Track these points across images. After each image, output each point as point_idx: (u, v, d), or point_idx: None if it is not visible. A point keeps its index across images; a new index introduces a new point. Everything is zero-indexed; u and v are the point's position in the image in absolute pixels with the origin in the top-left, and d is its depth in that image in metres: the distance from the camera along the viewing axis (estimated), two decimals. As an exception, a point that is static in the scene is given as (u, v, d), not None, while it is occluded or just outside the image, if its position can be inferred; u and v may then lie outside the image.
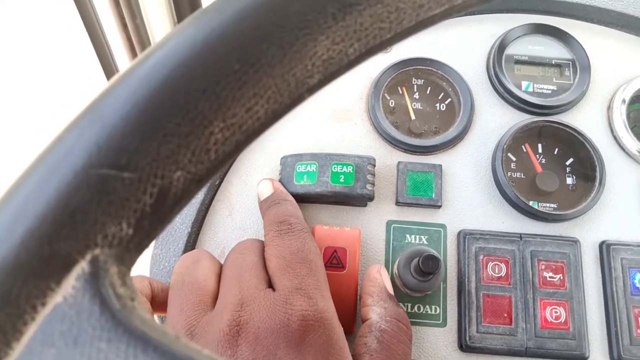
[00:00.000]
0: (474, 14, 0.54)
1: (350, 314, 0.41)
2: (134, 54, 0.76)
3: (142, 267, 0.43)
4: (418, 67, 0.51)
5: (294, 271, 0.35)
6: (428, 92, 0.51)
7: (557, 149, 0.48)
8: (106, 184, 0.15)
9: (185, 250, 0.45)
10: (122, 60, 0.86)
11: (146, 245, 0.16)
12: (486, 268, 0.43)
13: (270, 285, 0.35)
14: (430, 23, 0.19)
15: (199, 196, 0.46)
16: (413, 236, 0.45)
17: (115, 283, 0.15)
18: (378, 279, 0.40)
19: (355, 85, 0.51)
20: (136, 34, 0.72)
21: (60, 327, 0.14)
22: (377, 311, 0.38)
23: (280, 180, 0.45)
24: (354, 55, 0.18)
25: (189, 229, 0.45)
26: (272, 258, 0.36)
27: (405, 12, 0.18)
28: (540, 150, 0.48)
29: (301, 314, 0.32)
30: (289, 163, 0.45)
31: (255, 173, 0.48)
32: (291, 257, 0.35)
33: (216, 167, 0.17)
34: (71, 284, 0.14)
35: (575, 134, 0.47)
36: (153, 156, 0.15)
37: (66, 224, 0.14)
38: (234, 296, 0.33)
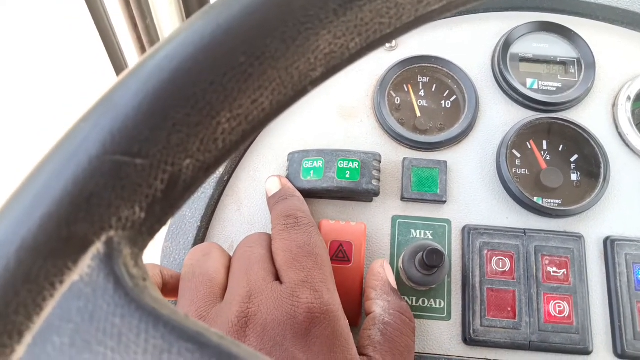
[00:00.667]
0: (478, 12, 0.54)
1: (356, 307, 0.42)
2: (144, 53, 0.77)
3: (153, 260, 0.44)
4: (423, 64, 0.51)
5: (300, 264, 0.35)
6: (433, 89, 0.51)
7: (561, 146, 0.49)
8: (120, 170, 0.16)
9: (195, 244, 0.46)
10: (133, 59, 0.87)
11: (157, 230, 0.17)
12: (490, 263, 0.44)
13: (277, 278, 0.36)
14: (430, 18, 0.19)
15: (208, 191, 0.47)
16: (418, 231, 0.46)
17: (129, 264, 0.16)
18: (381, 273, 0.40)
19: (361, 82, 0.52)
20: (146, 33, 0.73)
21: (77, 303, 0.15)
22: (380, 304, 0.38)
23: (287, 176, 0.46)
24: (355, 50, 0.18)
25: (199, 223, 0.46)
26: (279, 251, 0.37)
27: (405, 7, 0.18)
28: (544, 147, 0.49)
29: (307, 307, 0.33)
30: (296, 159, 0.46)
31: (263, 169, 0.49)
32: (297, 250, 0.36)
33: (224, 155, 0.17)
34: (87, 263, 0.15)
35: (580, 131, 0.48)
36: (164, 144, 0.16)
37: (82, 208, 0.15)
38: (242, 288, 0.34)
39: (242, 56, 0.17)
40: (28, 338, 0.15)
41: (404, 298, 0.40)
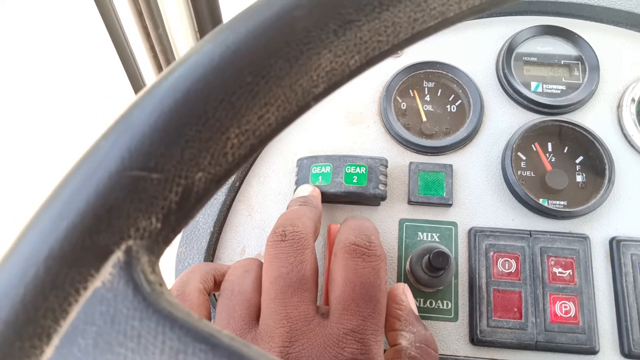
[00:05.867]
0: (482, 18, 0.55)
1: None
2: (157, 61, 0.79)
3: (168, 265, 0.46)
4: (429, 70, 0.52)
5: (357, 309, 0.32)
6: (439, 94, 0.52)
7: (566, 148, 0.49)
8: (137, 184, 0.17)
9: (208, 249, 0.47)
10: (146, 68, 0.89)
11: (172, 238, 0.18)
12: (496, 264, 0.45)
13: (320, 309, 0.33)
14: (426, 34, 0.20)
15: (221, 197, 0.48)
16: (425, 234, 0.47)
17: (146, 270, 0.17)
18: (404, 301, 0.37)
19: (367, 88, 0.53)
20: (159, 43, 0.75)
21: (100, 308, 0.16)
22: (406, 337, 0.35)
23: (296, 182, 0.47)
24: (355, 66, 0.19)
25: (211, 229, 0.47)
26: (337, 282, 0.33)
27: (401, 25, 0.19)
28: (549, 149, 0.49)
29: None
30: (304, 165, 0.47)
31: (273, 175, 0.50)
32: (360, 290, 0.32)
33: (233, 168, 0.19)
34: (108, 271, 0.17)
35: (585, 133, 0.48)
36: (177, 159, 0.17)
37: (104, 219, 0.17)
38: (281, 327, 0.31)
39: (249, 76, 0.18)
40: (55, 340, 0.16)
41: (427, 327, 0.37)
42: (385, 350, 0.35)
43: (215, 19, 0.68)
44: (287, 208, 0.42)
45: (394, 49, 0.20)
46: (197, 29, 0.69)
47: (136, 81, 0.91)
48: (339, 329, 0.31)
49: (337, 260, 0.34)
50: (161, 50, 0.75)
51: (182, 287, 0.37)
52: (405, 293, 0.38)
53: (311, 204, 0.41)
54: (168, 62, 0.77)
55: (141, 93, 0.18)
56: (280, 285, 0.33)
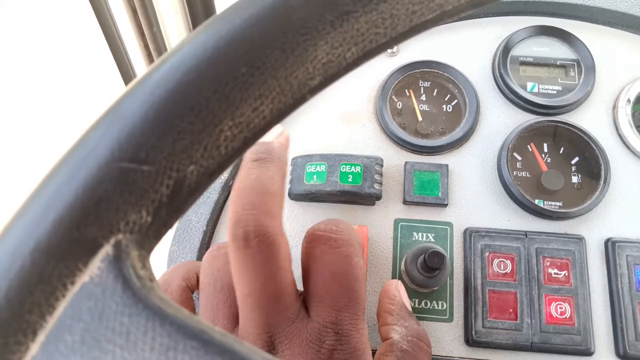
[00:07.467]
0: (479, 17, 0.55)
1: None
2: (151, 60, 0.78)
3: (160, 264, 0.45)
4: (425, 69, 0.52)
5: (331, 301, 0.30)
6: (435, 93, 0.52)
7: (562, 148, 0.49)
8: (127, 176, 0.16)
9: (201, 248, 0.46)
10: (140, 66, 0.89)
11: (163, 233, 0.18)
12: (492, 265, 0.44)
13: (300, 305, 0.32)
14: (424, 28, 0.20)
15: (214, 195, 0.48)
16: (420, 234, 0.47)
17: (136, 265, 0.17)
18: (397, 296, 0.37)
19: (363, 87, 0.52)
20: (153, 41, 0.74)
21: (88, 303, 0.16)
22: (398, 330, 0.35)
23: (290, 181, 0.47)
24: (352, 59, 0.19)
25: (204, 227, 0.47)
26: (308, 275, 0.32)
27: (399, 18, 0.19)
28: (545, 150, 0.49)
29: (331, 353, 0.30)
30: (299, 164, 0.47)
31: (267, 174, 0.50)
32: (331, 281, 0.31)
33: (226, 161, 0.18)
34: (97, 265, 0.16)
35: (581, 134, 0.48)
36: (169, 151, 0.17)
37: (92, 212, 0.16)
38: (265, 333, 0.30)
39: (243, 66, 0.17)
40: (41, 336, 0.16)
41: (419, 322, 0.37)
42: (375, 351, 0.34)
43: (210, 17, 0.68)
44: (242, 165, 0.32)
45: (391, 42, 0.20)
46: (191, 28, 0.69)
47: (129, 79, 0.91)
48: (318, 323, 0.30)
49: (304, 253, 0.32)
50: (155, 49, 0.74)
51: (165, 285, 0.36)
52: (398, 289, 0.38)
53: (271, 161, 0.32)
54: (162, 61, 0.77)
55: (132, 83, 0.18)
56: (256, 299, 0.30)
